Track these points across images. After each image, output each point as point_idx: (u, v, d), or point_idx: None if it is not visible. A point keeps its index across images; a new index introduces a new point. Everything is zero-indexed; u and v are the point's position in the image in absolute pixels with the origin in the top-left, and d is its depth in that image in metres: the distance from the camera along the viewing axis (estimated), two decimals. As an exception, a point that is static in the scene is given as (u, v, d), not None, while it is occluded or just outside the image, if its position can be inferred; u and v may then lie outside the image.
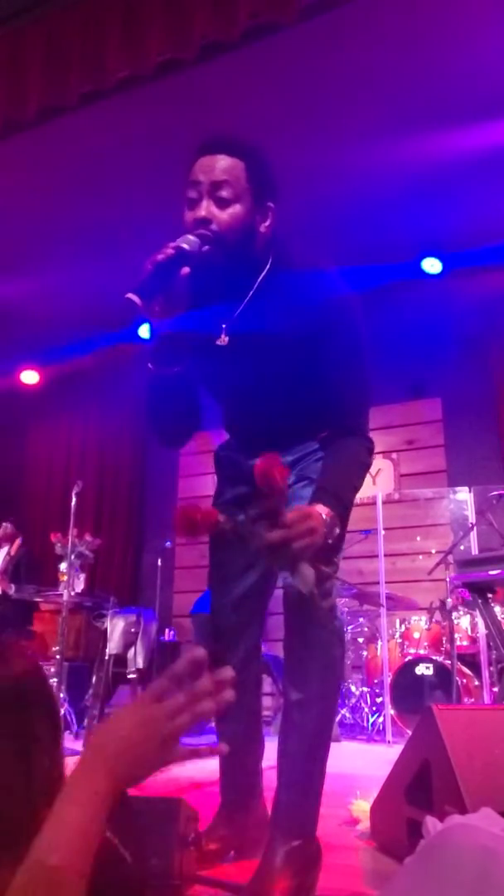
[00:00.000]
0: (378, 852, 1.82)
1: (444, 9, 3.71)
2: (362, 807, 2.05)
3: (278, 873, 1.44)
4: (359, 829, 1.99)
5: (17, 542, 5.22)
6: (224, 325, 1.62)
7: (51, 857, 0.66)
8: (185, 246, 1.45)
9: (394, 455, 6.39)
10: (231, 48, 3.39)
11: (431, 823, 1.04)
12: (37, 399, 7.75)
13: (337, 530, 1.43)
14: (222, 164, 1.53)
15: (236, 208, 1.52)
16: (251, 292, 1.60)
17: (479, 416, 6.04)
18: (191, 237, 1.47)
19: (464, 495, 5.25)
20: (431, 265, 5.70)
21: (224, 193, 1.51)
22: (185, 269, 1.43)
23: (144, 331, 5.99)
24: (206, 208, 1.52)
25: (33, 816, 0.71)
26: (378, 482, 6.28)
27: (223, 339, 1.62)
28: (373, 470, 6.41)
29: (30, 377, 7.56)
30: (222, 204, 1.52)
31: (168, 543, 6.69)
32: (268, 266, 1.61)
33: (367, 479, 5.95)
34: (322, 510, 1.41)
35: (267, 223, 1.59)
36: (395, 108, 4.36)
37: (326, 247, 1.67)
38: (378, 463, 6.38)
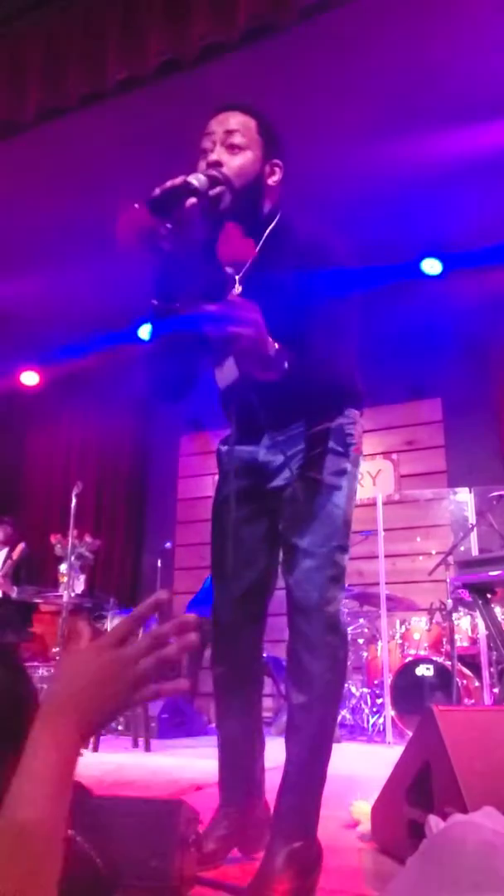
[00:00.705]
0: (379, 854, 1.81)
1: (444, 9, 3.72)
2: (363, 808, 2.04)
3: (279, 875, 1.44)
4: (359, 831, 1.98)
5: (20, 547, 5.22)
6: (237, 276, 1.65)
7: (20, 811, 0.62)
8: (194, 181, 1.50)
9: (394, 456, 6.39)
10: (230, 49, 3.39)
11: (434, 822, 1.05)
12: (37, 400, 7.75)
13: (285, 365, 1.41)
14: (236, 117, 1.65)
15: (247, 154, 1.62)
16: (260, 243, 1.64)
17: (479, 417, 6.04)
18: (201, 175, 1.53)
19: (464, 496, 5.24)
20: (431, 266, 5.70)
21: (236, 140, 1.62)
22: (192, 200, 1.48)
23: (144, 332, 5.99)
24: (217, 153, 1.60)
25: None
26: (378, 483, 6.28)
27: (238, 289, 1.65)
28: (373, 471, 6.42)
29: (30, 378, 7.56)
30: (233, 150, 1.60)
31: (168, 545, 6.68)
32: (275, 221, 1.67)
33: (368, 479, 5.92)
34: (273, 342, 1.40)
35: (275, 178, 1.68)
36: (394, 108, 4.36)
37: (327, 222, 1.70)
38: (378, 464, 6.38)
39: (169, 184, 1.47)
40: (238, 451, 1.76)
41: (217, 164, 1.57)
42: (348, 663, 5.74)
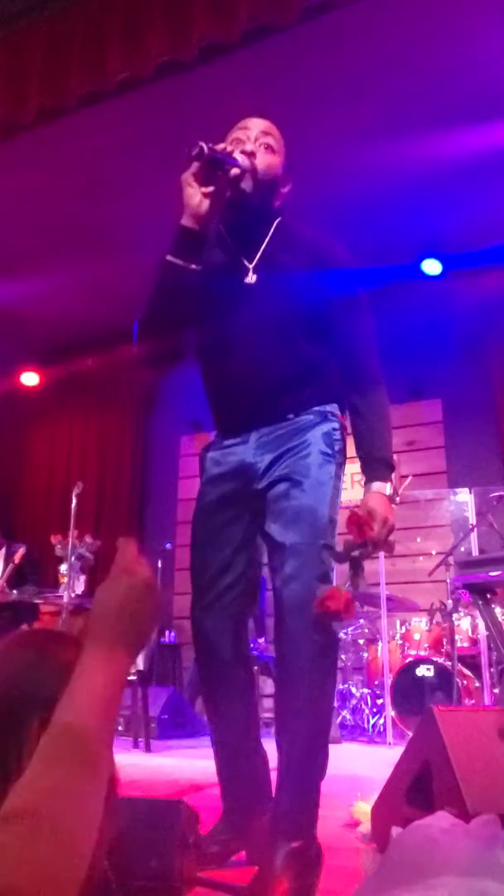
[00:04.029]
0: (379, 854, 1.81)
1: (444, 10, 3.72)
2: (363, 808, 2.04)
3: (279, 875, 1.43)
4: (360, 831, 1.98)
5: (20, 551, 5.21)
6: (251, 266, 1.73)
7: (76, 718, 0.68)
8: (239, 159, 1.62)
9: (394, 456, 6.38)
10: (230, 50, 3.39)
11: (395, 831, 1.18)
12: (37, 400, 7.75)
13: (398, 499, 1.63)
14: (269, 123, 1.76)
15: (277, 158, 1.72)
16: (267, 238, 1.74)
17: (479, 418, 6.04)
18: (245, 159, 1.63)
19: (464, 496, 5.24)
20: (431, 266, 5.70)
21: (270, 141, 1.71)
22: (236, 171, 1.60)
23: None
24: (252, 146, 1.69)
25: None
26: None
27: (251, 278, 1.72)
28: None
29: (30, 378, 7.56)
30: (268, 149, 1.70)
31: (168, 545, 6.68)
32: (278, 219, 1.76)
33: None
34: (381, 489, 1.64)
35: (287, 189, 1.78)
36: (395, 109, 4.36)
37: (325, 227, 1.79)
38: (378, 464, 6.37)
39: (222, 146, 1.60)
40: (225, 455, 1.76)
41: (251, 155, 1.66)
42: (348, 663, 5.68)
